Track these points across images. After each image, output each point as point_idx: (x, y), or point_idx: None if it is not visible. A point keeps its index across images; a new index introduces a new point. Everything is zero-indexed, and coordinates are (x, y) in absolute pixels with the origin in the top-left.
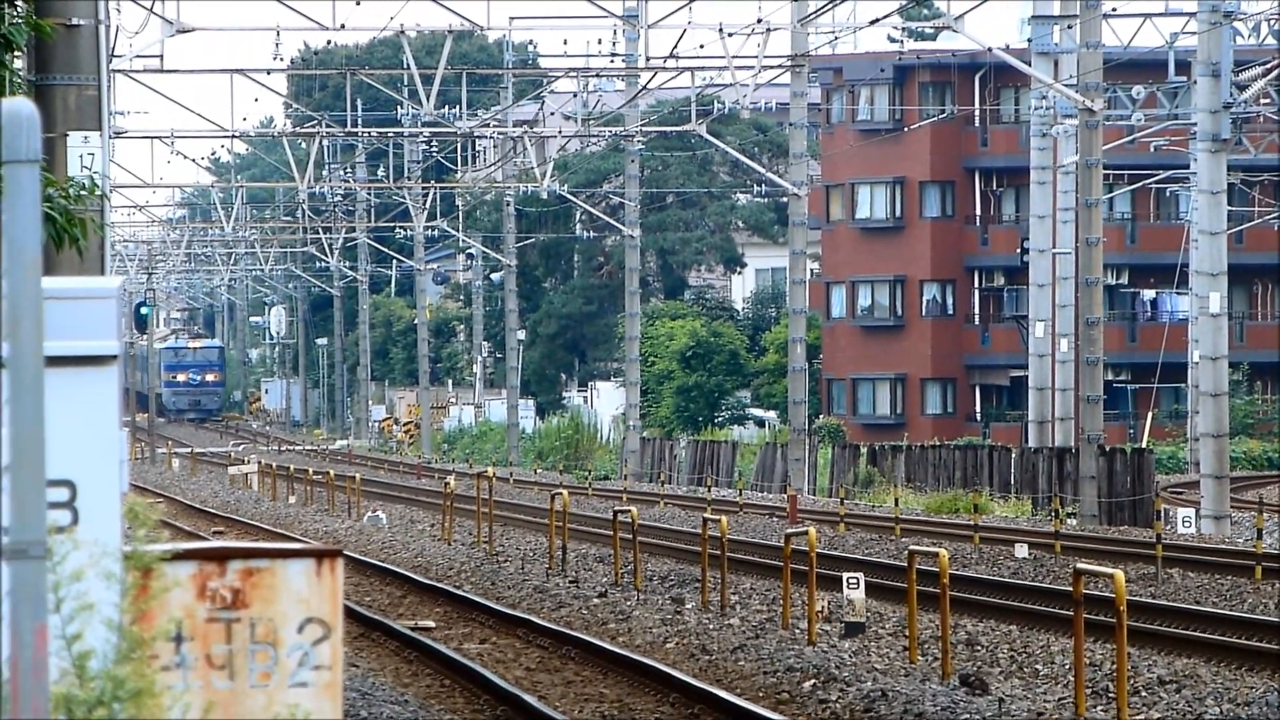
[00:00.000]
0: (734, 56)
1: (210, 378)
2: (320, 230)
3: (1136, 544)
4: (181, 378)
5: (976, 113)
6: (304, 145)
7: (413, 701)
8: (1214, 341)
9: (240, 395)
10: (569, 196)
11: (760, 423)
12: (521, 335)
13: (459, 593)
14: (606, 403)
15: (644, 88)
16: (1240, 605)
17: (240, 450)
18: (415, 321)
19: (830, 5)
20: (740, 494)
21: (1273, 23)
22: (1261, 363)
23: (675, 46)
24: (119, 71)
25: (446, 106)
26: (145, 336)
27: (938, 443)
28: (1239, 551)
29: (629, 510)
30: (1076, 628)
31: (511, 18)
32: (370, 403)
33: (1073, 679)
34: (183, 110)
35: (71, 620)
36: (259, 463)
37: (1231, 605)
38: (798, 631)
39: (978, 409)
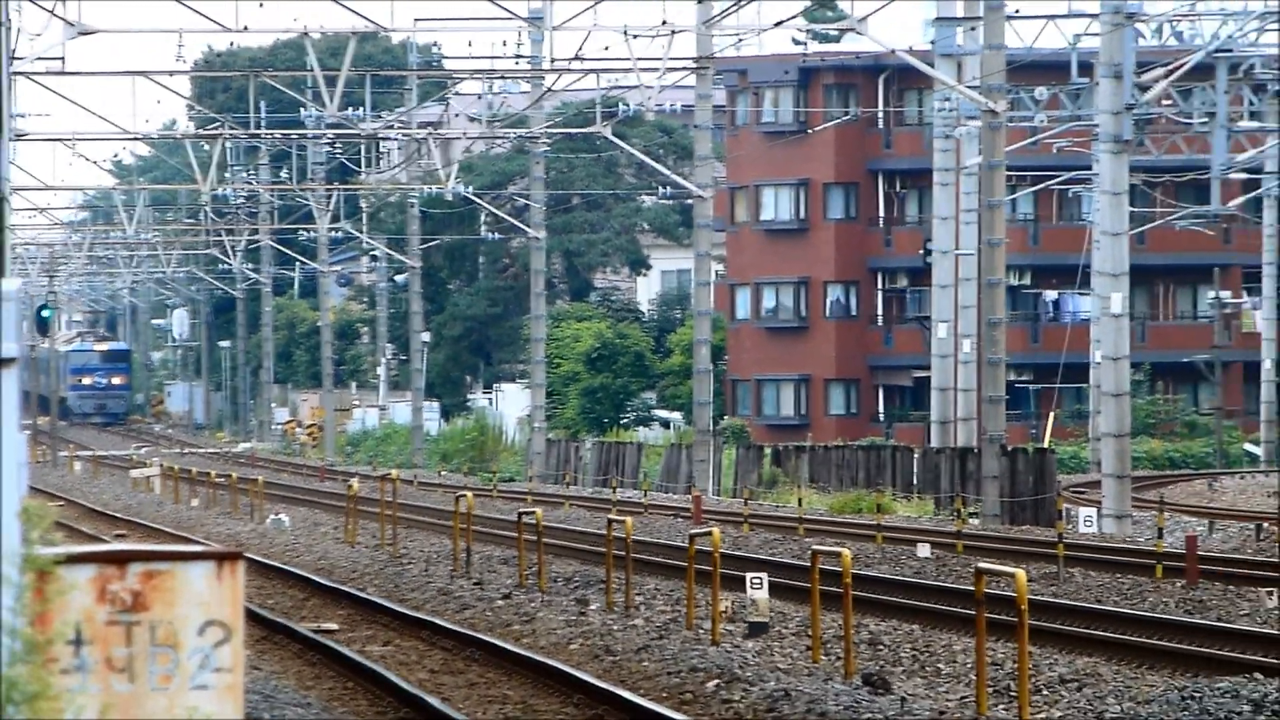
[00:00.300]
0: (639, 58)
1: (116, 380)
2: (223, 232)
3: (1039, 543)
4: (87, 380)
5: (880, 115)
6: (206, 147)
7: (315, 704)
8: (1115, 342)
9: (143, 398)
10: (474, 198)
11: (665, 424)
12: (426, 337)
13: (362, 595)
14: (512, 404)
15: (549, 89)
16: (1141, 604)
17: (143, 453)
18: (319, 324)
19: (735, 7)
20: (645, 495)
21: (1175, 24)
22: (1163, 363)
23: (580, 48)
24: (20, 73)
25: (350, 108)
26: (47, 339)
27: (841, 443)
28: (1140, 551)
29: (533, 511)
30: (979, 626)
31: (416, 19)
32: (273, 405)
33: (974, 677)
34: (85, 112)
35: None
36: (161, 466)
37: (1132, 604)
38: (701, 632)
39: (881, 409)
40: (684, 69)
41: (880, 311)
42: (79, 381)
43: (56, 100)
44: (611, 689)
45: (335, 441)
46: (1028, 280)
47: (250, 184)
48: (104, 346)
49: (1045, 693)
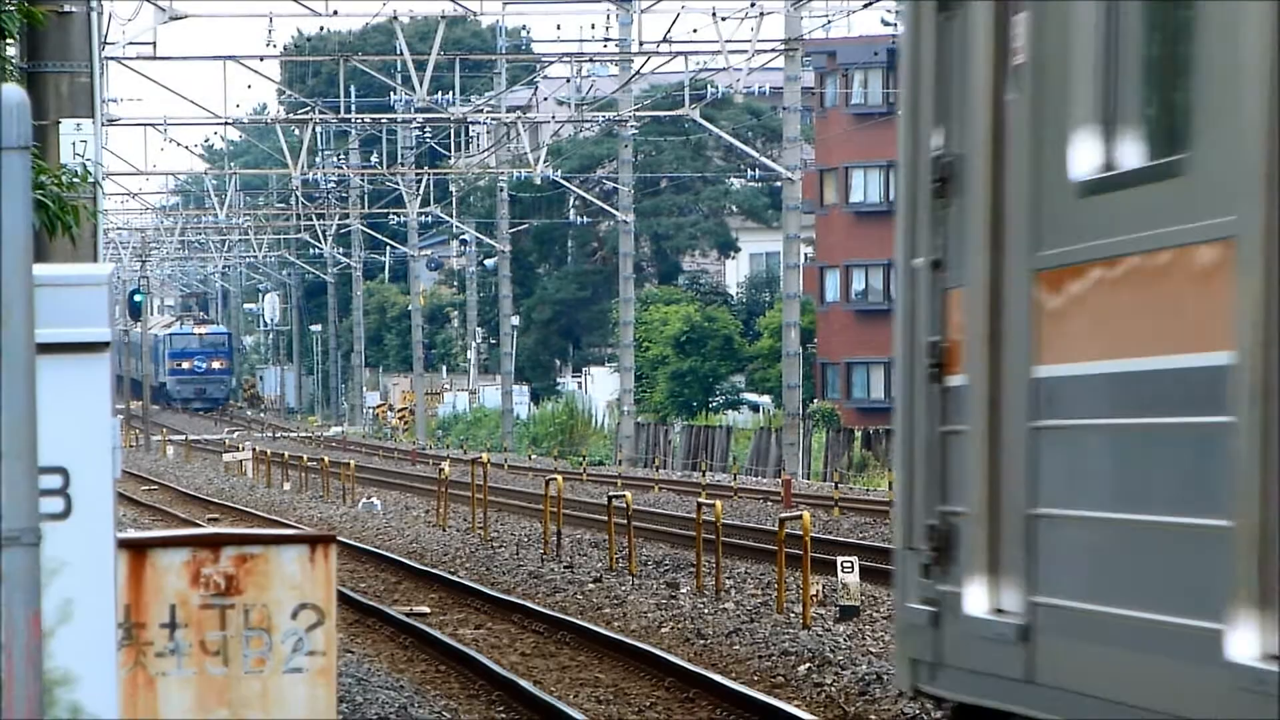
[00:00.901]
0: (727, 40)
1: (217, 365)
2: (314, 217)
3: None
4: (186, 365)
5: None
6: (297, 132)
7: (408, 687)
8: None
9: (235, 382)
10: (562, 182)
11: (755, 407)
12: (515, 321)
13: (454, 578)
14: (601, 388)
15: (637, 72)
16: None
17: (235, 437)
18: (409, 308)
19: None
20: (735, 479)
21: None
22: None
23: (669, 31)
24: (111, 59)
25: (440, 92)
26: (139, 324)
27: None
28: None
29: (623, 495)
30: None
31: (505, 3)
32: (365, 389)
33: None
34: (176, 97)
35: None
36: (254, 449)
37: None
38: (792, 615)
39: None
40: (773, 51)
41: None
42: (178, 366)
43: (148, 85)
44: (703, 672)
45: (426, 425)
46: None
47: (340, 168)
48: (204, 330)
49: None
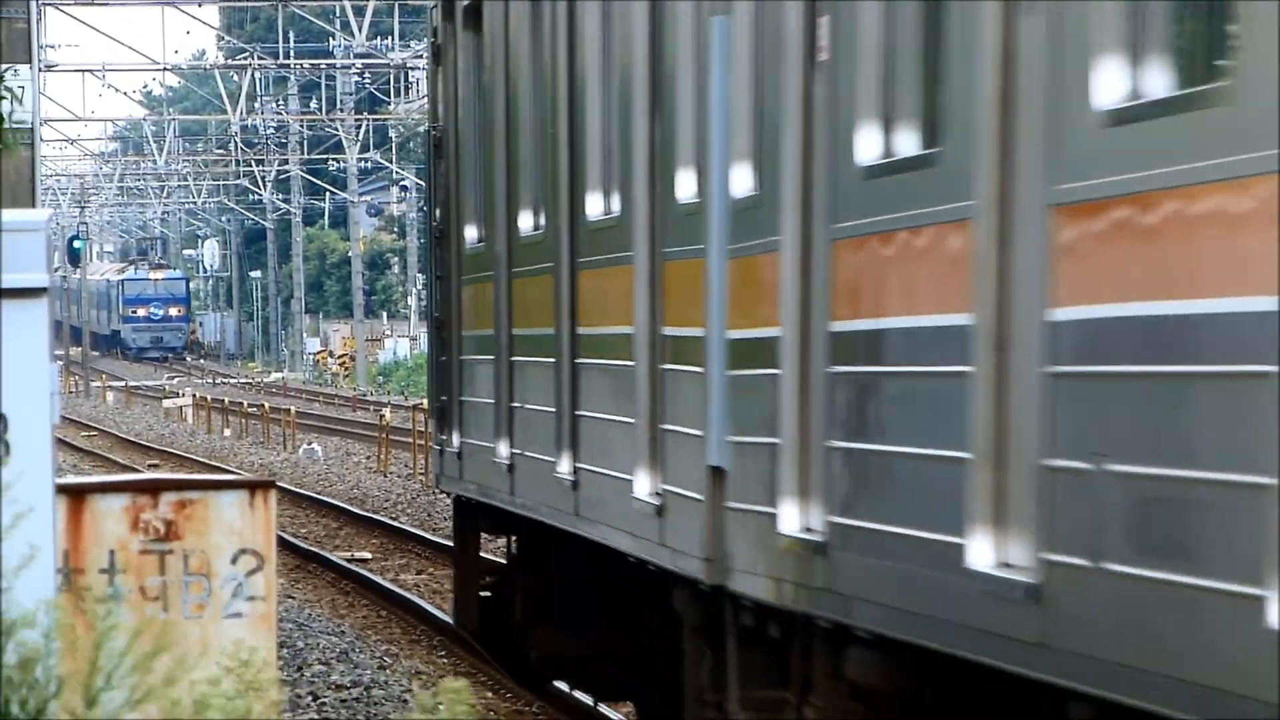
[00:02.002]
0: None
1: (174, 312)
2: (253, 163)
3: None
4: (142, 312)
5: None
6: (236, 78)
7: (349, 632)
8: None
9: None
10: None
11: None
12: None
13: (395, 524)
14: None
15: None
16: None
17: (175, 384)
18: (349, 254)
19: None
20: None
21: None
22: None
23: None
24: (48, 4)
25: (379, 38)
26: (79, 270)
27: None
28: None
29: None
30: None
31: None
32: (305, 335)
33: None
34: (114, 43)
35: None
36: (194, 396)
37: None
38: None
39: None
40: None
41: None
42: (133, 313)
43: (86, 31)
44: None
45: (367, 371)
46: None
47: (279, 114)
48: (160, 275)
49: None
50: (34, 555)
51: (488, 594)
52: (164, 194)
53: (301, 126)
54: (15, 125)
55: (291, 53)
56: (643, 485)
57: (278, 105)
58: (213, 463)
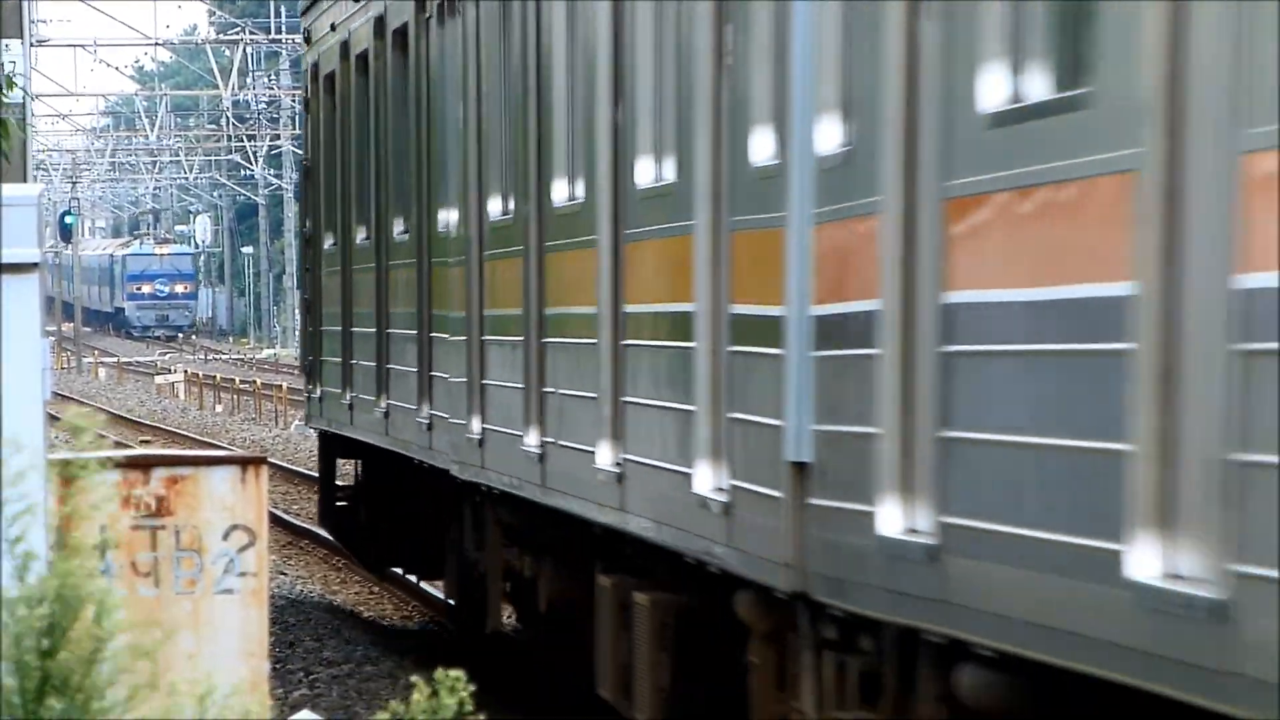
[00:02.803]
0: None
1: (181, 289)
2: (245, 138)
3: None
4: (147, 289)
5: None
6: (227, 52)
7: (342, 609)
8: None
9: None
10: None
11: None
12: None
13: None
14: None
15: None
16: None
17: (167, 359)
18: None
19: None
20: None
21: None
22: None
23: None
24: None
25: None
26: (70, 245)
27: None
28: None
29: None
30: None
31: None
32: (297, 311)
33: None
34: (106, 18)
35: (14, 522)
36: (185, 372)
37: None
38: None
39: None
40: None
41: None
42: (138, 290)
43: (77, 6)
44: None
45: None
46: None
47: (271, 89)
48: (166, 250)
49: None
50: (29, 524)
51: (343, 503)
52: (156, 169)
53: (293, 101)
54: (6, 101)
55: (283, 27)
56: (475, 425)
57: (269, 80)
58: (204, 439)
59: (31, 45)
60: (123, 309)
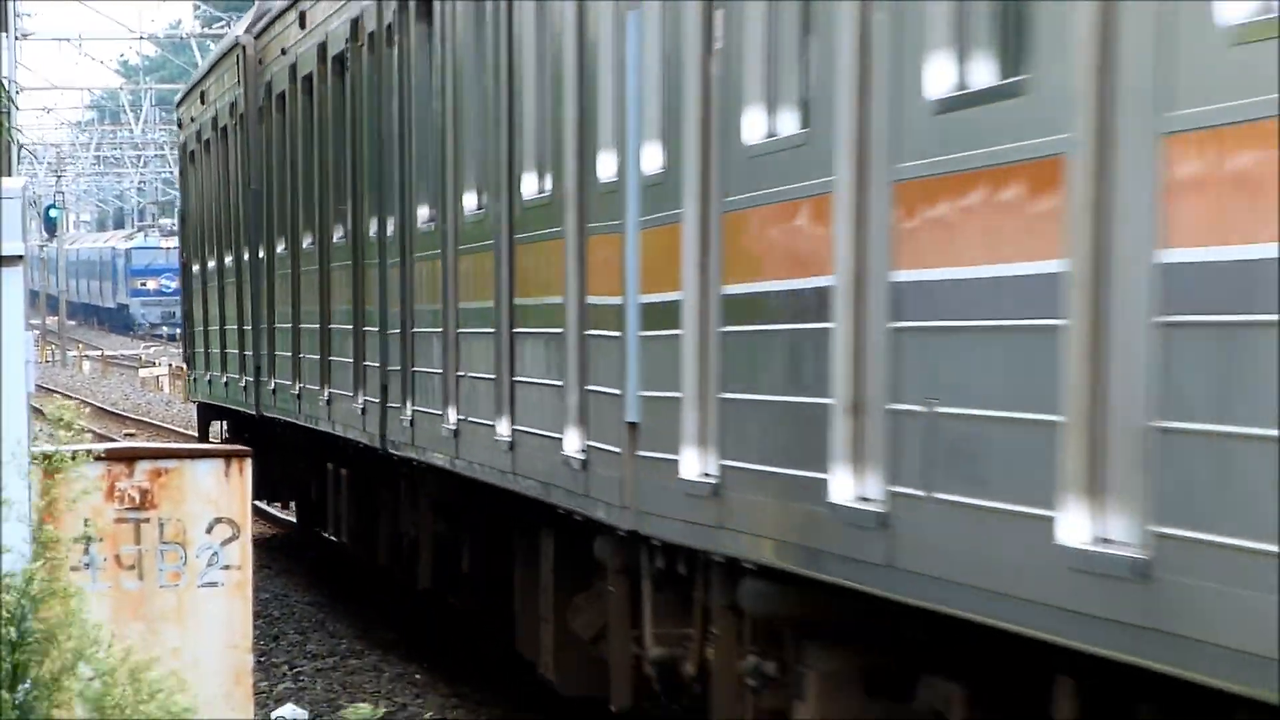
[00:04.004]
0: None
1: None
2: None
3: None
4: (152, 285)
5: None
6: (212, 46)
7: (326, 603)
8: None
9: None
10: None
11: None
12: None
13: None
14: None
15: None
16: None
17: (152, 353)
18: None
19: None
20: None
21: None
22: None
23: None
24: None
25: None
26: (54, 238)
27: None
28: None
29: None
30: None
31: None
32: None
33: None
34: (90, 11)
35: None
36: (170, 365)
37: None
38: None
39: None
40: None
41: None
42: (142, 286)
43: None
44: None
45: None
46: None
47: None
48: (172, 243)
49: None
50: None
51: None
52: (141, 163)
53: None
54: None
55: None
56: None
57: None
58: (189, 432)
59: (16, 39)
60: (127, 305)
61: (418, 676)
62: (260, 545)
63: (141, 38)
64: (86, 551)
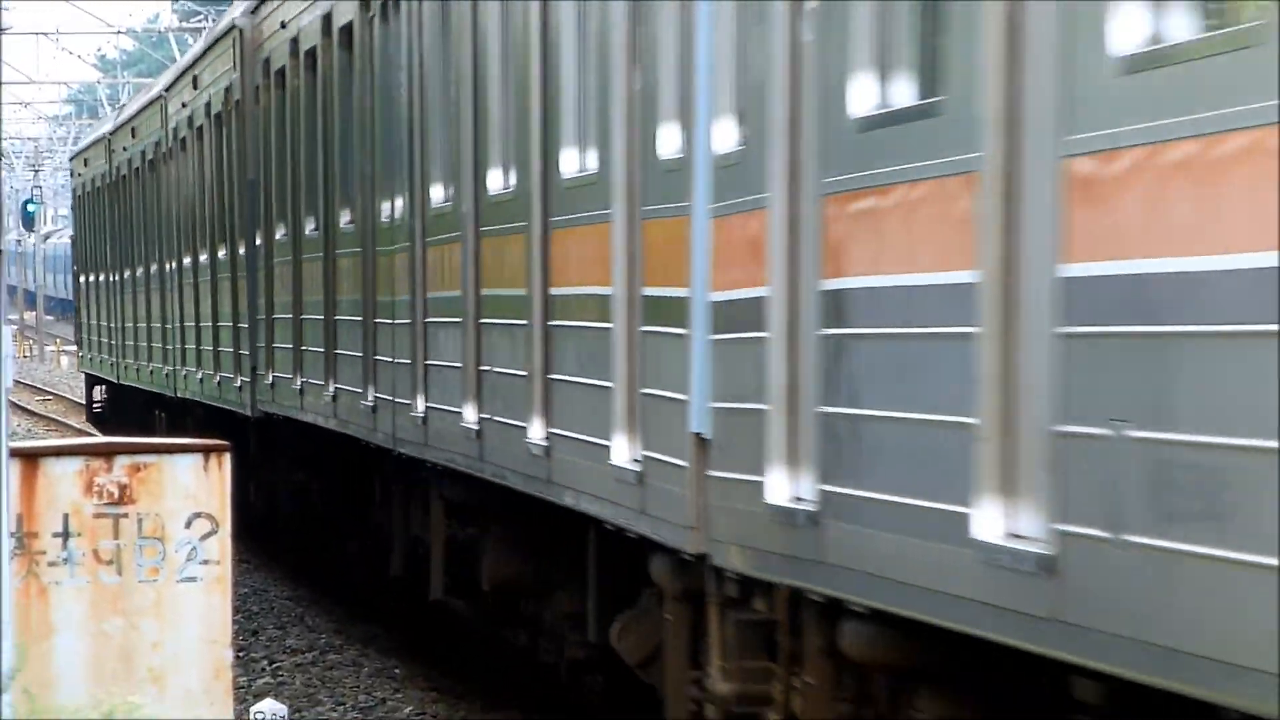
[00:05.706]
0: None
1: None
2: None
3: None
4: None
5: None
6: (190, 41)
7: (305, 597)
8: None
9: None
10: None
11: None
12: None
13: None
14: None
15: None
16: None
17: None
18: None
19: None
20: None
21: None
22: None
23: None
24: None
25: None
26: (32, 233)
27: None
28: None
29: None
30: None
31: None
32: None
33: None
34: (68, 6)
35: None
36: None
37: None
38: None
39: None
40: None
41: None
42: None
43: None
44: None
45: None
46: None
47: None
48: None
49: None
50: None
51: (99, 409)
52: None
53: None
54: None
55: None
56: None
57: None
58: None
59: None
60: None
61: (397, 671)
62: (239, 539)
63: (119, 32)
64: (65, 547)
